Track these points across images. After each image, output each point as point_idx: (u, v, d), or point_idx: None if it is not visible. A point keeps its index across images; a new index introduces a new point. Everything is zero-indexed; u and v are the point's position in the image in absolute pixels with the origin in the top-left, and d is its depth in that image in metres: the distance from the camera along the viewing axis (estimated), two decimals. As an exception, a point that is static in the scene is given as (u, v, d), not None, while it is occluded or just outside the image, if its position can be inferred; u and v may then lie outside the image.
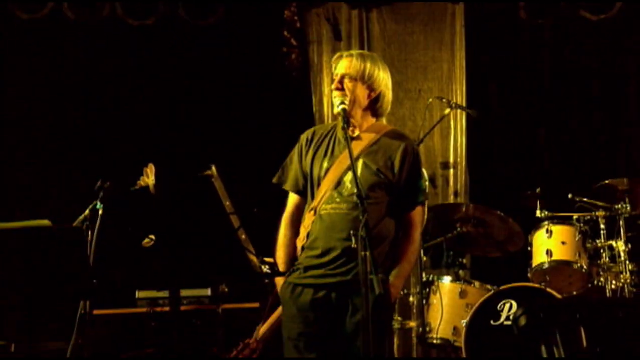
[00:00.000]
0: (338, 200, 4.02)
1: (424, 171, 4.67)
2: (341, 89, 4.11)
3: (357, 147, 4.07)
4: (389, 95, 4.20)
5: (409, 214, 4.11)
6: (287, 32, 7.90)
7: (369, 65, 4.13)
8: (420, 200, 4.15)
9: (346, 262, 3.95)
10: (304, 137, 4.28)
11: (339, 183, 4.05)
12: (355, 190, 3.82)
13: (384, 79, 4.17)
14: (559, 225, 6.44)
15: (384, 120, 4.29)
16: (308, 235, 4.09)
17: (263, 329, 4.42)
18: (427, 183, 5.11)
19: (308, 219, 4.12)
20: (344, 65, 4.14)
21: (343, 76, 4.12)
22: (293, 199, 4.28)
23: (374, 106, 4.18)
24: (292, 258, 4.17)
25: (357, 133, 4.15)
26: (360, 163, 4.05)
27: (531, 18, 7.88)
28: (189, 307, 6.04)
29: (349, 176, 4.02)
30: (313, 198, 4.13)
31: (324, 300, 3.98)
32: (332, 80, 4.18)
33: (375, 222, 3.93)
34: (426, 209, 5.86)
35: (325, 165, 4.11)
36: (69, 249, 3.87)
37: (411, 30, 8.01)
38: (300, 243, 4.14)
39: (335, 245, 3.98)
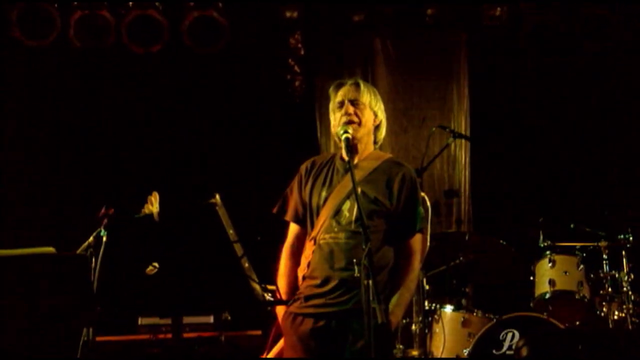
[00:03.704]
0: (336, 229, 4.03)
1: (426, 198, 4.66)
2: (354, 113, 4.12)
3: (356, 175, 4.02)
4: (385, 124, 4.29)
5: (408, 241, 4.11)
6: (291, 59, 7.94)
7: (372, 93, 4.21)
8: (418, 228, 4.14)
9: (345, 291, 3.95)
10: (303, 167, 4.30)
11: (337, 212, 4.06)
12: (353, 219, 3.83)
13: (382, 108, 4.26)
14: (562, 254, 6.45)
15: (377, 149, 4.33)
16: (309, 265, 4.10)
17: (266, 359, 4.41)
18: (430, 210, 5.09)
19: (308, 248, 4.13)
20: (352, 90, 4.16)
21: (353, 101, 4.14)
22: (293, 229, 4.29)
23: (376, 133, 4.25)
24: (293, 287, 4.17)
25: (356, 161, 4.16)
26: (358, 191, 4.02)
27: (534, 48, 7.91)
28: (191, 334, 6.04)
29: (347, 205, 4.04)
30: (312, 227, 4.14)
31: (324, 329, 3.97)
32: (339, 105, 4.18)
33: (374, 250, 3.87)
34: (428, 237, 5.86)
35: (324, 194, 4.12)
36: (72, 276, 3.87)
37: (415, 59, 8.05)
38: (301, 272, 4.15)
39: (333, 274, 3.99)
